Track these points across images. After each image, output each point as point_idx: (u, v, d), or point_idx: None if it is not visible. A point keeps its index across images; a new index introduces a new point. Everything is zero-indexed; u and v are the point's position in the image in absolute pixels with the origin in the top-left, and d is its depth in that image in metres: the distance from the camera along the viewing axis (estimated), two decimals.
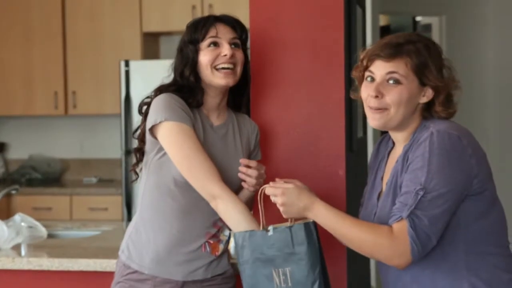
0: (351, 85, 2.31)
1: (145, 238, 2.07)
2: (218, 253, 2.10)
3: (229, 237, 2.13)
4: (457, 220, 1.72)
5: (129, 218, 4.52)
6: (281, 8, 2.28)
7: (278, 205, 1.81)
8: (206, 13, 4.86)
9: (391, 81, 1.77)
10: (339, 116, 2.26)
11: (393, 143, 1.89)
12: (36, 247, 2.68)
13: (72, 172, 5.46)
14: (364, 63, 1.82)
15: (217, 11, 4.82)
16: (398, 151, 1.84)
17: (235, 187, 2.06)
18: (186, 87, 2.04)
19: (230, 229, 2.11)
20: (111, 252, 2.52)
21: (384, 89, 1.77)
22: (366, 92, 1.81)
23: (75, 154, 5.46)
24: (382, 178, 1.89)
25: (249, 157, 2.14)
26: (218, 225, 2.08)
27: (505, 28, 5.90)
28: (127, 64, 4.67)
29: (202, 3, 4.88)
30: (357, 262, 2.58)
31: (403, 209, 1.69)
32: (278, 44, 2.28)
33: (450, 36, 5.88)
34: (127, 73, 4.66)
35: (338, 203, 2.07)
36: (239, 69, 2.06)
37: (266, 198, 1.87)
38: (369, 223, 1.77)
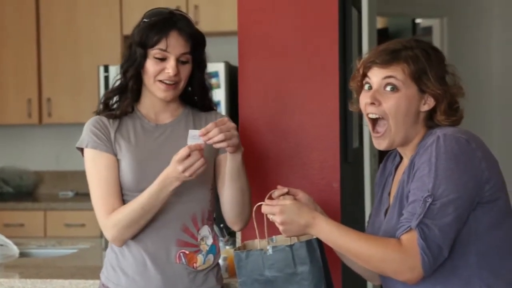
0: (346, 92, 2.33)
1: (119, 255, 2.11)
2: (196, 265, 2.10)
3: (212, 249, 2.13)
4: (468, 230, 1.73)
5: None
6: (271, 11, 2.30)
7: (277, 224, 1.81)
8: (191, 15, 4.88)
9: (388, 88, 1.80)
10: (333, 126, 2.28)
11: (401, 158, 1.92)
12: (7, 267, 2.68)
13: (47, 186, 5.45)
14: (361, 71, 1.85)
15: (203, 12, 4.88)
16: (405, 164, 1.86)
17: (190, 183, 2.05)
18: (124, 89, 2.12)
19: (214, 239, 2.13)
20: (89, 272, 2.52)
21: (381, 97, 1.80)
22: (363, 100, 1.84)
23: (50, 166, 5.45)
24: (389, 193, 1.90)
25: (216, 151, 2.12)
26: (191, 231, 2.10)
27: (510, 30, 5.95)
28: (106, 69, 4.67)
29: (187, 4, 4.89)
30: (353, 277, 2.59)
31: (412, 219, 1.69)
32: (268, 49, 2.30)
33: (452, 39, 5.93)
34: (106, 79, 4.66)
35: (332, 217, 2.07)
36: (181, 85, 2.10)
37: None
38: (376, 237, 1.78)
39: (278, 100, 2.30)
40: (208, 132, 1.96)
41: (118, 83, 2.13)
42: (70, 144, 5.35)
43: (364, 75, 1.84)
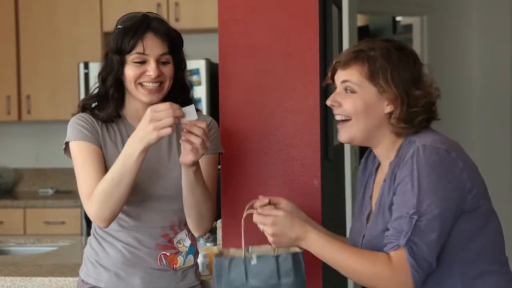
0: (326, 90, 2.33)
1: (99, 252, 2.12)
2: (176, 266, 2.13)
3: (191, 249, 2.17)
4: (452, 240, 1.75)
5: (88, 233, 4.49)
6: (252, 8, 2.30)
7: (267, 235, 1.81)
8: (172, 12, 4.89)
9: (347, 90, 1.84)
10: (314, 123, 2.28)
11: None
12: None
13: (27, 183, 5.41)
14: (330, 73, 1.90)
15: (184, 9, 4.87)
16: (384, 168, 1.87)
17: (173, 191, 2.07)
18: (104, 97, 2.09)
19: (192, 240, 2.17)
20: (68, 270, 2.51)
21: (342, 98, 1.84)
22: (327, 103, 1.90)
23: (30, 164, 5.41)
24: (371, 197, 1.91)
25: None
26: (169, 236, 2.12)
27: (489, 28, 6.00)
28: (86, 66, 4.65)
29: (168, 1, 4.88)
30: (334, 282, 2.60)
31: (399, 236, 1.71)
32: (248, 47, 2.30)
33: (432, 37, 5.96)
34: (86, 76, 4.64)
35: (313, 215, 2.09)
36: (166, 85, 2.08)
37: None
38: (365, 252, 1.78)
39: (258, 98, 2.31)
40: (195, 126, 1.89)
41: (96, 90, 2.11)
42: (50, 142, 5.40)
43: (332, 76, 1.88)
